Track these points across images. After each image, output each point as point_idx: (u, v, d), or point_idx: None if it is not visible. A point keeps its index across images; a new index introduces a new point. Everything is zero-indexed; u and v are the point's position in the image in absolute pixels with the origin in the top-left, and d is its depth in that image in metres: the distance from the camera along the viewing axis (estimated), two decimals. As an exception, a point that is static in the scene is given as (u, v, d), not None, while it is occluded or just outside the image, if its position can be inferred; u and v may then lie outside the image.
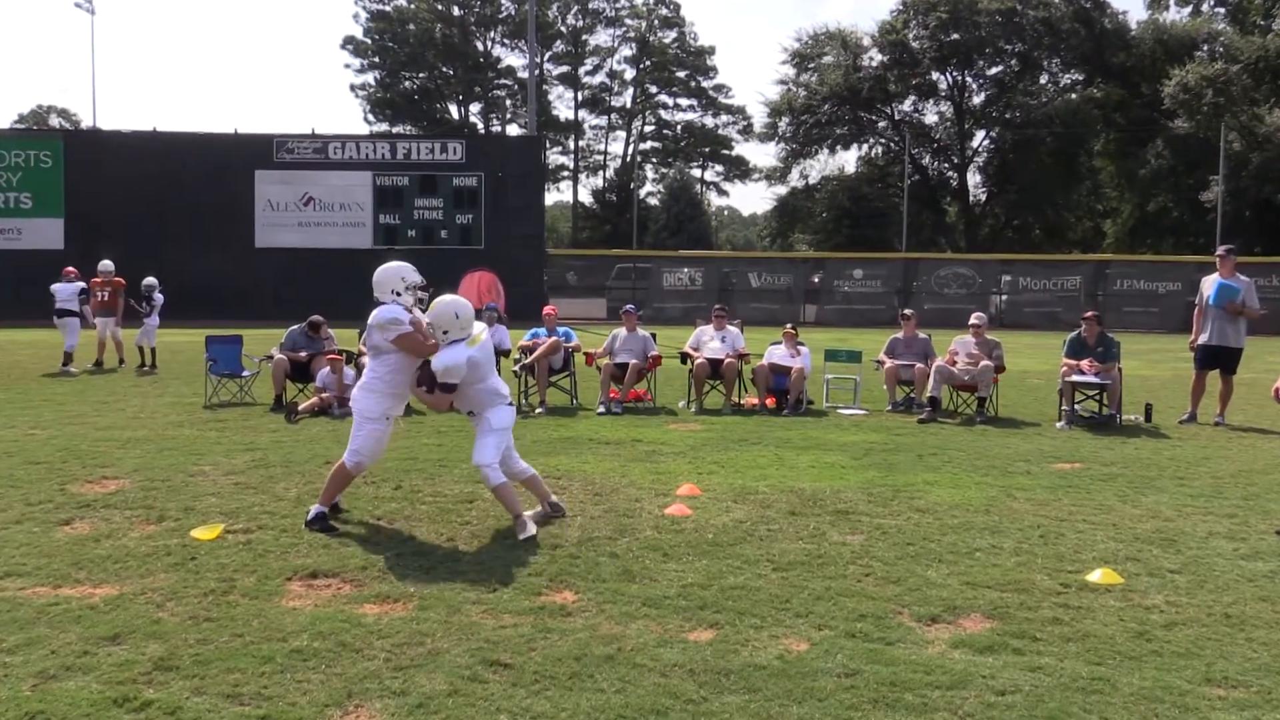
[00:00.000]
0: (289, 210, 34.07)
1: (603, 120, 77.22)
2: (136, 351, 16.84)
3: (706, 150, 76.05)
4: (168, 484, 7.58)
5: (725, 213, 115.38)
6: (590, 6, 72.36)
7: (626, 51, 74.67)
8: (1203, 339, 11.83)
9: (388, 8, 69.19)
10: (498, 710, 3.81)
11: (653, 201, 70.21)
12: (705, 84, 74.66)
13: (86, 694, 3.91)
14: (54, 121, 61.50)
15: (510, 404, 6.49)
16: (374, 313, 6.26)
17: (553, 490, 7.51)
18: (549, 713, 3.79)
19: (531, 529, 6.15)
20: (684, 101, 75.76)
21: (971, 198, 58.95)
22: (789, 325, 12.96)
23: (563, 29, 72.50)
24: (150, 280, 17.35)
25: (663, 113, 76.60)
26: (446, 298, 6.35)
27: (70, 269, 17.48)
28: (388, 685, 4.02)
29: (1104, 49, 52.82)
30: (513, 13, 69.57)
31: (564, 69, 73.88)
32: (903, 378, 12.47)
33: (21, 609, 4.80)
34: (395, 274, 6.38)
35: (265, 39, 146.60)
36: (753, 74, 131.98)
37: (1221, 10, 54.04)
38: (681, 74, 74.21)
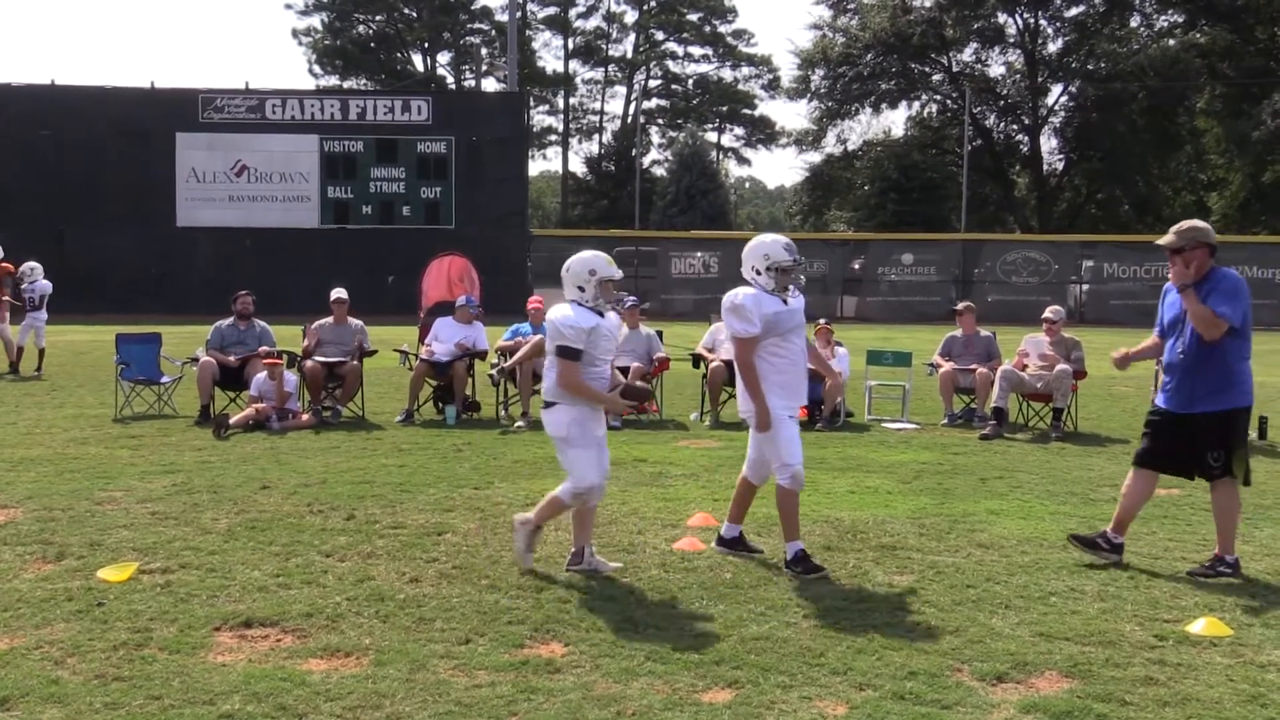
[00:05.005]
0: (218, 182, 34.15)
1: (599, 73, 77.40)
2: (35, 353, 16.83)
3: (724, 110, 76.14)
4: (69, 514, 7.58)
5: (746, 185, 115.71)
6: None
7: (627, -11, 74.84)
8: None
9: (337, -65, 69.40)
10: (470, 788, 3.81)
11: (659, 172, 70.35)
12: (723, 29, 74.82)
13: (-29, 768, 3.92)
14: (-69, 74, 61.74)
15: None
16: (726, 296, 6.62)
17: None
18: (532, 791, 3.79)
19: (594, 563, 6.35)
20: (697, 50, 75.95)
21: (1046, 166, 59.04)
22: (823, 321, 12.96)
23: (550, -40, 72.73)
24: (30, 264, 17.27)
25: (671, 64, 76.77)
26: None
27: None
28: (336, 757, 4.02)
29: (1208, -16, 52.90)
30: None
31: (551, 10, 74.06)
32: (961, 384, 12.47)
33: (-108, 665, 4.80)
34: (758, 251, 6.62)
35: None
36: (780, 17, 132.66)
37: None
38: (694, 17, 74.35)
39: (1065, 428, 11.61)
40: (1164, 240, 6.48)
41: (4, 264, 17.00)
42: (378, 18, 72.02)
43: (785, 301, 6.54)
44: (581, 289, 6.37)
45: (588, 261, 6.42)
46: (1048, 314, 12.23)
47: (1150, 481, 6.65)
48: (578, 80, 77.12)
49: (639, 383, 6.90)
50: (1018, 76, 58.54)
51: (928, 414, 12.83)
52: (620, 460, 9.83)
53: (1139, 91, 52.02)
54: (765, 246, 6.62)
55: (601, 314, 6.37)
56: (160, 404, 12.60)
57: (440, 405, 12.47)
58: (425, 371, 12.34)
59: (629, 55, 76.19)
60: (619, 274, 6.50)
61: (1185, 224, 6.53)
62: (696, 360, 12.79)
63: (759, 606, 5.70)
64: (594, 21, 75.61)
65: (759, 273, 6.56)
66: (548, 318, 6.41)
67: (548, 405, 6.39)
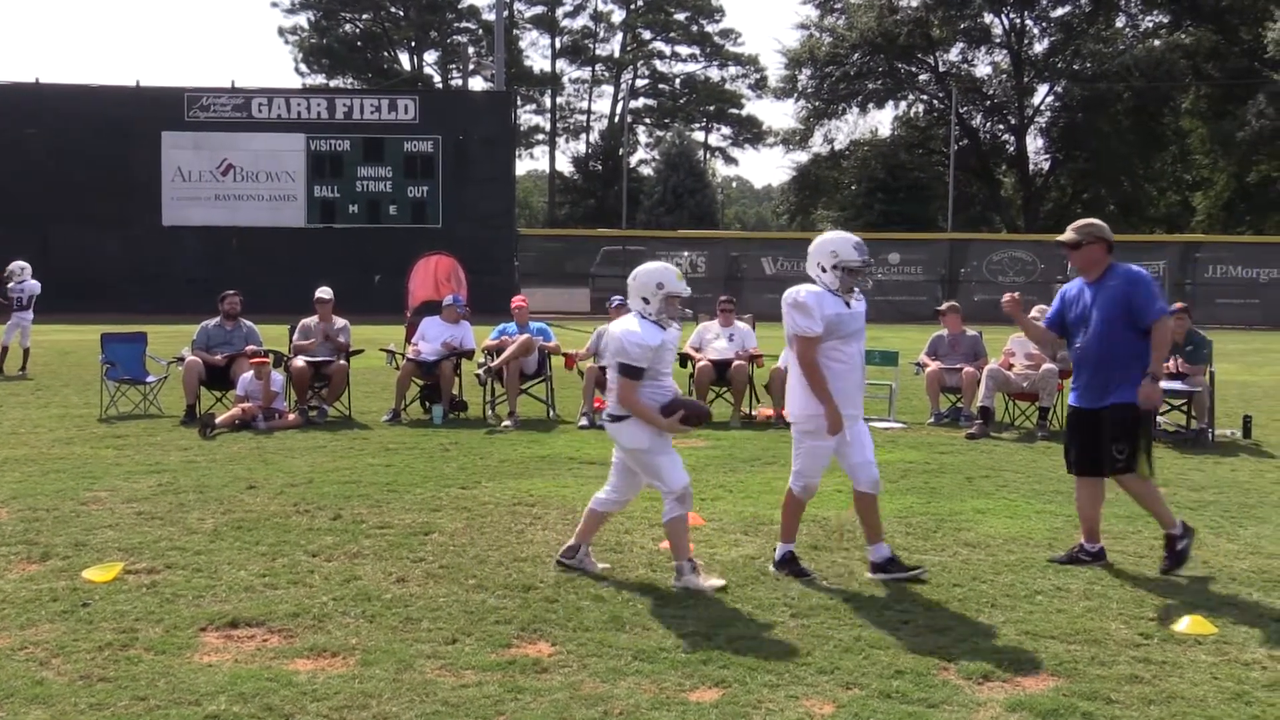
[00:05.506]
0: (204, 180, 34.03)
1: (586, 73, 77.42)
2: (20, 353, 16.77)
3: (711, 109, 76.23)
4: (54, 514, 7.55)
5: (734, 185, 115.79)
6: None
7: (614, -12, 74.84)
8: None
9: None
10: (457, 788, 3.80)
11: (646, 171, 70.38)
12: (710, 28, 74.86)
13: (-45, 769, 3.90)
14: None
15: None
16: (788, 292, 6.29)
17: (526, 520, 7.52)
18: (520, 791, 3.79)
19: (704, 582, 6.03)
20: (684, 50, 76.00)
21: (1032, 166, 59.15)
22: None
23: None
24: (18, 263, 17.23)
25: (658, 63, 76.84)
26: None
27: None
28: (323, 758, 4.01)
29: (1194, -16, 53.08)
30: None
31: (538, 9, 73.99)
32: (948, 384, 12.49)
33: (-125, 666, 4.78)
34: (825, 247, 6.29)
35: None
36: (767, 16, 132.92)
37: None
38: (681, 16, 74.40)
39: (1051, 427, 11.63)
40: (1063, 237, 6.62)
41: None
42: (364, 16, 71.89)
43: (848, 304, 6.23)
44: (646, 301, 6.18)
45: (655, 274, 6.24)
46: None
47: (1096, 485, 6.66)
48: (565, 79, 77.20)
49: (699, 401, 6.50)
50: (1004, 76, 58.66)
51: (914, 413, 12.86)
52: (606, 460, 9.79)
53: (1124, 92, 52.15)
54: (834, 243, 6.28)
55: (664, 328, 6.18)
56: (146, 404, 12.56)
57: (427, 405, 12.45)
58: (412, 371, 12.33)
59: (616, 54, 76.26)
60: (687, 291, 6.28)
61: (1083, 221, 6.69)
62: (683, 360, 12.79)
63: (746, 606, 5.71)
64: (581, 21, 75.71)
65: (824, 270, 6.22)
66: (611, 331, 6.21)
67: (617, 419, 6.14)
